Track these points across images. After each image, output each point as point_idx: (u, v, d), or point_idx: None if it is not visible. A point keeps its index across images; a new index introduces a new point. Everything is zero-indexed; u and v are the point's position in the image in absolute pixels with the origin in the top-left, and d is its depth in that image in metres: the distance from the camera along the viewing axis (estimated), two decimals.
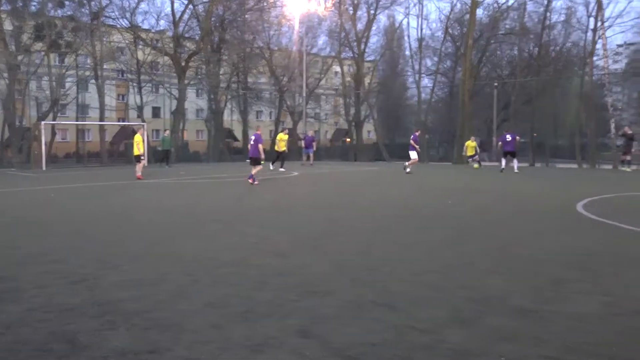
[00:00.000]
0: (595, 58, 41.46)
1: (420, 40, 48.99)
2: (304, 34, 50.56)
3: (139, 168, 23.34)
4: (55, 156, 43.42)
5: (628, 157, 30.75)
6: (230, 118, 54.01)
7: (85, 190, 19.04)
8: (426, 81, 52.00)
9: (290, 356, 4.14)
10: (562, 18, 47.04)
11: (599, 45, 39.97)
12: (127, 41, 47.14)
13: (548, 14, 43.91)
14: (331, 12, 51.41)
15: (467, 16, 45.66)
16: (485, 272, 6.88)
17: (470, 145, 31.35)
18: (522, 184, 21.46)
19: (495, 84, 43.89)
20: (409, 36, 53.46)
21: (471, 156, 31.64)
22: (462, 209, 13.67)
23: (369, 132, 62.65)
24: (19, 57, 39.89)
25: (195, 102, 58.54)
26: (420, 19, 50.47)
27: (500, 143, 28.83)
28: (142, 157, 24.04)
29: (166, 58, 47.44)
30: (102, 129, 45.34)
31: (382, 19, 56.30)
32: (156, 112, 55.53)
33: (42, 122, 37.47)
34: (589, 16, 41.50)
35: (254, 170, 20.10)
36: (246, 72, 52.06)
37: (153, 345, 4.34)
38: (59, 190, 18.72)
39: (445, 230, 10.21)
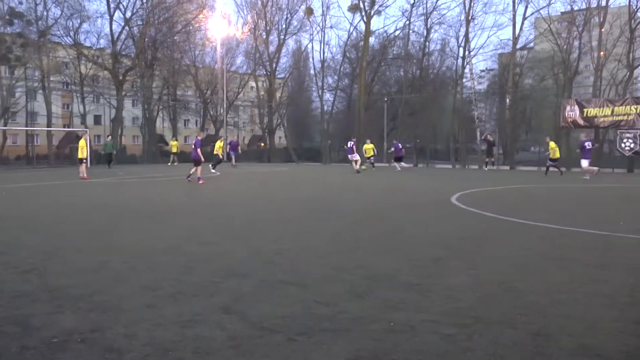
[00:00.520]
0: (464, 80, 42.97)
1: (323, 61, 49.24)
2: (224, 54, 49.98)
3: (82, 169, 22.47)
4: (7, 158, 41.31)
5: (490, 159, 32.18)
6: (162, 125, 52.89)
7: (34, 189, 18.17)
8: (328, 95, 52.29)
9: (215, 330, 4.09)
10: (438, 47, 48.63)
11: (467, 70, 41.44)
12: (71, 57, 45.42)
13: (427, 43, 45.07)
14: (247, 36, 51.01)
15: (362, 43, 46.28)
16: (376, 254, 7.00)
17: (368, 147, 31.03)
18: (407, 180, 21.97)
19: (385, 99, 44.65)
20: (313, 58, 53.61)
21: (369, 157, 31.13)
22: (355, 203, 13.87)
23: (280, 138, 62.43)
24: None
25: (131, 111, 56.80)
26: (322, 44, 50.94)
27: (393, 149, 29.86)
28: (85, 160, 23.18)
29: (106, 72, 46.07)
30: (49, 134, 43.38)
31: (291, 43, 56.21)
32: (97, 119, 53.57)
33: None
34: (459, 46, 42.90)
35: (194, 169, 19.65)
36: (175, 86, 51.08)
37: (96, 325, 4.19)
38: (10, 190, 17.79)
39: (342, 221, 10.32)
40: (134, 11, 43.93)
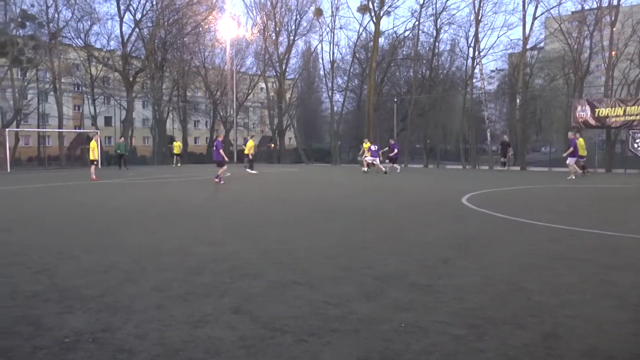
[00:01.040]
0: (474, 80, 42.79)
1: (332, 62, 49.28)
2: (234, 55, 50.18)
3: (92, 171, 22.62)
4: (19, 159, 41.67)
5: (504, 160, 32.02)
6: (172, 126, 53.09)
7: (45, 190, 18.31)
8: (337, 96, 52.34)
9: (225, 330, 4.11)
10: (448, 47, 48.56)
11: (477, 70, 41.31)
12: (81, 58, 45.88)
13: (437, 43, 44.98)
14: (257, 37, 51.20)
15: (371, 43, 46.26)
16: (385, 255, 7.00)
17: (366, 147, 30.36)
18: (418, 181, 21.94)
19: (395, 99, 44.61)
20: (322, 59, 53.50)
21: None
22: (365, 203, 13.85)
23: (290, 138, 62.58)
24: None
25: (141, 112, 57.17)
26: (332, 44, 51.14)
27: (392, 149, 28.73)
28: (96, 161, 23.29)
29: (116, 74, 46.44)
30: (60, 135, 43.81)
31: (300, 44, 56.51)
32: (108, 121, 54.00)
33: (7, 130, 36.09)
34: (469, 47, 42.80)
35: (220, 170, 20.06)
36: (185, 87, 51.33)
37: (106, 325, 4.22)
38: (22, 190, 17.94)
39: (351, 221, 10.33)
40: (144, 13, 44.28)
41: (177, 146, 38.92)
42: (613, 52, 36.18)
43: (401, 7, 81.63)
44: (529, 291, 5.23)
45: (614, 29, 36.02)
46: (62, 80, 43.05)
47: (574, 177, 22.44)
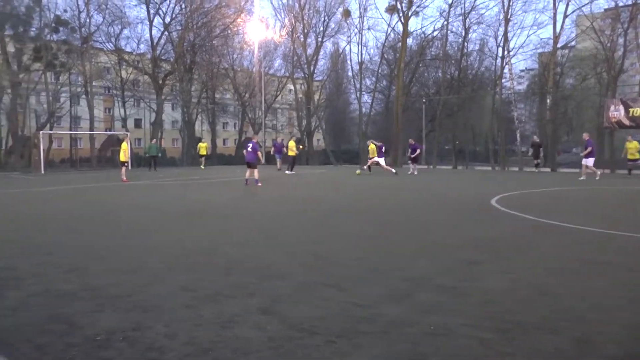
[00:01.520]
0: (503, 80, 42.33)
1: (361, 63, 49.16)
2: (262, 57, 50.37)
3: (123, 172, 22.92)
4: (52, 161, 42.34)
5: (537, 161, 31.46)
6: (201, 128, 53.51)
7: (77, 191, 18.62)
8: (366, 97, 52.21)
9: (254, 330, 4.13)
10: (477, 47, 48.05)
11: (506, 70, 40.82)
12: (112, 62, 46.54)
13: (465, 43, 44.59)
14: (285, 39, 51.35)
15: (400, 44, 46.08)
16: (413, 256, 6.97)
17: (372, 148, 29.46)
18: (446, 182, 21.77)
19: (424, 100, 44.38)
20: (350, 60, 53.62)
21: (371, 158, 29.03)
22: (392, 204, 13.80)
23: (318, 140, 62.62)
24: (21, 76, 39.01)
25: (171, 114, 57.74)
26: (360, 45, 50.74)
27: (413, 150, 28.04)
28: (126, 163, 23.58)
29: (146, 77, 46.97)
30: (91, 137, 44.51)
31: (328, 45, 56.22)
32: (138, 123, 54.63)
33: (41, 132, 36.78)
34: (498, 46, 42.23)
35: (255, 173, 19.73)
36: (214, 89, 51.66)
37: (136, 324, 4.29)
38: (55, 191, 18.29)
39: (379, 222, 10.30)
40: (173, 16, 44.69)
41: (203, 147, 38.68)
42: None
43: (429, 7, 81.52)
44: (559, 295, 5.16)
45: None
46: (94, 84, 43.81)
47: (584, 178, 21.98)
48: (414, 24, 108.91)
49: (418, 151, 27.82)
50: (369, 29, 64.11)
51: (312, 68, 51.14)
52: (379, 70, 51.28)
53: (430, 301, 4.90)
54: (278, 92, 57.07)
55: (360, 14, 47.55)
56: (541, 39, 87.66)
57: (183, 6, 44.50)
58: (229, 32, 47.26)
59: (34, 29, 40.74)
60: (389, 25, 48.00)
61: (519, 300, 5.00)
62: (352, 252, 7.25)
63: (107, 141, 52.11)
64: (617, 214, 11.75)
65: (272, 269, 6.21)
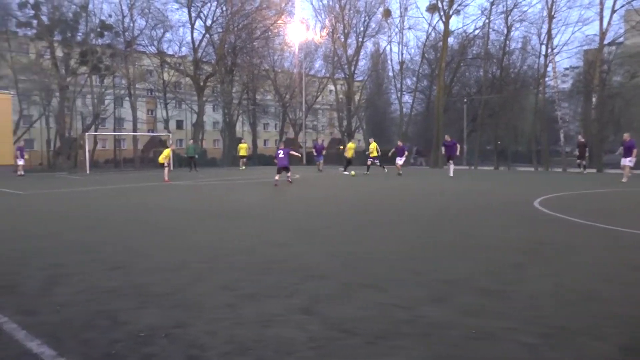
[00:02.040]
0: (547, 79, 41.46)
1: (401, 63, 48.97)
2: (303, 58, 50.64)
3: (166, 172, 23.33)
4: (97, 162, 43.38)
5: (582, 162, 30.46)
6: (242, 129, 54.06)
7: (120, 190, 19.02)
8: (406, 98, 51.96)
9: (294, 330, 4.15)
10: (519, 45, 47.18)
11: (549, 69, 40.03)
12: (155, 65, 47.47)
13: (507, 42, 43.94)
14: (326, 40, 51.48)
15: (441, 43, 45.69)
16: (454, 258, 6.89)
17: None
18: (487, 183, 21.47)
19: (465, 100, 43.89)
20: (391, 60, 53.42)
21: (374, 158, 27.90)
22: (434, 205, 13.67)
23: (359, 140, 62.56)
24: (68, 79, 40.17)
25: (212, 115, 58.53)
26: (400, 45, 50.79)
27: (450, 147, 26.19)
28: (166, 165, 23.83)
29: (187, 79, 47.75)
30: (135, 138, 45.48)
31: (369, 45, 56.03)
32: (179, 124, 55.57)
33: (86, 133, 37.83)
34: (541, 44, 41.45)
35: (288, 173, 20.66)
36: (255, 90, 52.13)
37: (178, 322, 4.35)
38: (100, 191, 18.73)
39: (419, 223, 10.22)
40: (214, 19, 45.31)
41: (243, 148, 38.29)
42: None
43: (471, 6, 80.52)
44: (605, 300, 5.02)
45: None
46: (137, 86, 44.81)
47: (626, 180, 21.30)
48: (455, 22, 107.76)
49: (459, 147, 26.21)
50: (409, 28, 63.92)
51: (352, 68, 51.13)
52: (420, 70, 50.98)
53: (471, 304, 4.84)
54: (319, 93, 57.24)
55: (400, 13, 47.52)
56: (587, 35, 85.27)
57: (224, 9, 45.07)
58: (270, 33, 47.61)
59: (80, 34, 42.00)
60: (429, 24, 47.78)
61: (564, 304, 4.89)
62: (392, 253, 7.21)
63: (150, 142, 53.13)
64: None
65: (313, 269, 6.22)
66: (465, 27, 61.47)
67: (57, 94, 39.81)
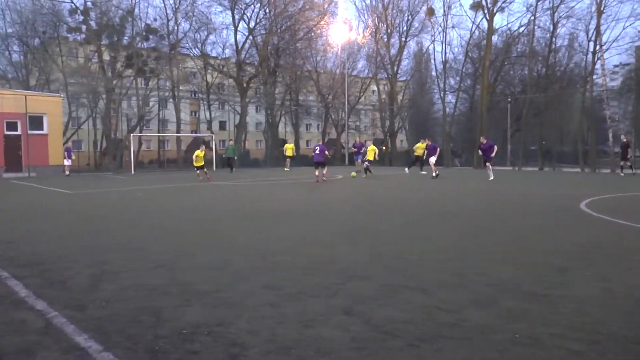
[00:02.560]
0: (595, 77, 40.41)
1: (444, 62, 48.53)
2: (345, 59, 50.61)
3: (202, 172, 23.61)
4: (142, 162, 44.24)
5: (626, 163, 29.44)
6: (284, 130, 54.40)
7: (165, 190, 19.36)
8: (450, 97, 51.41)
9: (336, 331, 4.14)
10: (566, 42, 46.08)
11: (598, 66, 38.96)
12: (198, 67, 48.17)
13: (553, 39, 43.01)
14: (368, 40, 51.40)
15: (484, 42, 45.10)
16: (498, 261, 6.77)
17: (421, 147, 27.58)
18: (531, 185, 21.07)
19: (509, 99, 43.14)
20: (434, 59, 52.82)
21: (418, 157, 27.33)
22: (477, 207, 13.47)
23: (401, 141, 62.22)
24: (114, 82, 41.18)
25: (255, 116, 59.15)
26: (444, 44, 49.90)
27: (488, 148, 23.64)
28: (200, 167, 23.96)
29: (230, 80, 48.32)
30: (178, 139, 46.29)
31: (412, 45, 55.60)
32: (222, 125, 56.33)
33: (131, 134, 38.62)
34: (589, 41, 40.45)
35: (324, 171, 21.92)
36: (297, 91, 52.40)
37: (220, 320, 4.40)
38: (145, 190, 19.09)
39: (464, 226, 10.08)
40: (258, 21, 45.68)
41: (289, 148, 36.92)
42: None
43: (515, 2, 78.84)
44: None
45: None
46: (180, 88, 45.56)
47: None
48: (499, 20, 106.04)
49: (496, 148, 23.86)
50: (453, 27, 63.05)
51: (395, 68, 50.90)
52: (463, 69, 50.44)
53: (516, 308, 4.74)
54: (361, 93, 57.16)
55: (444, 12, 47.07)
56: (639, 31, 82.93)
57: (267, 11, 45.41)
58: (313, 34, 47.79)
59: (126, 38, 43.06)
60: (473, 22, 47.22)
61: (613, 310, 4.74)
62: (435, 255, 7.13)
63: (193, 143, 53.91)
64: None
65: (355, 270, 6.20)
66: (509, 25, 60.16)
67: (104, 96, 40.90)
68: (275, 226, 10.12)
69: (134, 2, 41.70)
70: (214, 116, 50.00)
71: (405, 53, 52.57)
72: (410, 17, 49.53)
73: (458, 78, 51.00)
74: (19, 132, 31.93)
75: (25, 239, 8.78)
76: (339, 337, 4.00)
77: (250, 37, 45.69)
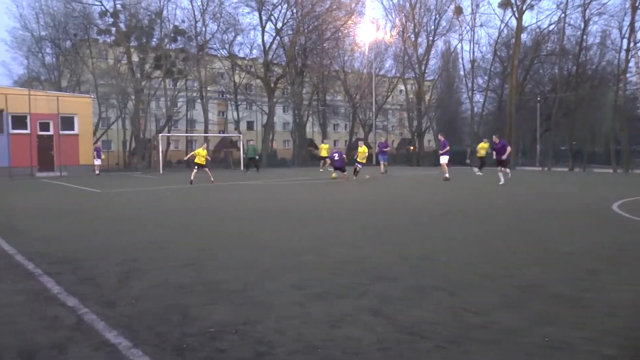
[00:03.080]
0: (628, 75, 39.64)
1: (473, 61, 48.14)
2: (373, 59, 50.52)
3: (203, 172, 23.56)
4: (170, 162, 44.77)
5: None
6: (312, 130, 54.55)
7: (191, 190, 19.52)
8: (478, 97, 51.02)
9: (363, 331, 4.13)
10: (598, 40, 45.25)
11: (631, 64, 38.25)
12: (226, 67, 48.57)
13: (585, 36, 42.25)
14: (396, 40, 51.23)
15: (513, 40, 44.58)
16: (527, 263, 6.67)
17: (484, 146, 25.83)
18: (562, 186, 20.76)
19: (538, 99, 42.59)
20: (462, 58, 52.40)
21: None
22: (505, 207, 13.32)
23: (429, 141, 61.93)
24: (143, 83, 41.74)
25: (282, 116, 59.47)
26: (472, 43, 49.73)
27: (501, 149, 22.26)
28: (199, 166, 23.84)
29: (258, 81, 48.62)
30: (206, 139, 46.69)
31: (440, 44, 55.31)
32: (250, 125, 56.64)
33: (160, 135, 39.08)
34: (622, 38, 39.67)
35: (344, 174, 23.22)
36: (325, 91, 52.48)
37: (247, 319, 4.42)
38: (173, 190, 19.29)
39: (491, 226, 9.98)
40: (285, 21, 45.88)
41: (324, 149, 34.79)
42: None
43: (545, 0, 77.76)
44: None
45: None
46: (208, 89, 45.98)
47: None
48: (528, 18, 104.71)
49: (508, 149, 22.45)
50: (481, 25, 62.36)
51: (423, 68, 50.65)
52: (492, 68, 50.00)
53: (545, 311, 4.67)
54: (389, 93, 57.05)
55: (472, 10, 46.74)
56: None
57: (294, 11, 45.54)
58: (340, 34, 47.82)
59: (155, 39, 43.61)
60: (502, 20, 46.75)
61: None
62: (463, 256, 7.07)
63: (221, 143, 54.33)
64: None
65: (383, 270, 6.18)
66: (539, 23, 59.77)
67: (132, 97, 41.54)
68: (302, 225, 10.14)
69: (162, 4, 42.30)
70: (242, 116, 50.36)
71: (432, 52, 52.33)
72: (437, 15, 49.26)
73: (486, 77, 50.58)
74: (51, 133, 32.61)
75: (57, 237, 8.94)
76: (365, 337, 3.99)
77: (278, 37, 45.93)
